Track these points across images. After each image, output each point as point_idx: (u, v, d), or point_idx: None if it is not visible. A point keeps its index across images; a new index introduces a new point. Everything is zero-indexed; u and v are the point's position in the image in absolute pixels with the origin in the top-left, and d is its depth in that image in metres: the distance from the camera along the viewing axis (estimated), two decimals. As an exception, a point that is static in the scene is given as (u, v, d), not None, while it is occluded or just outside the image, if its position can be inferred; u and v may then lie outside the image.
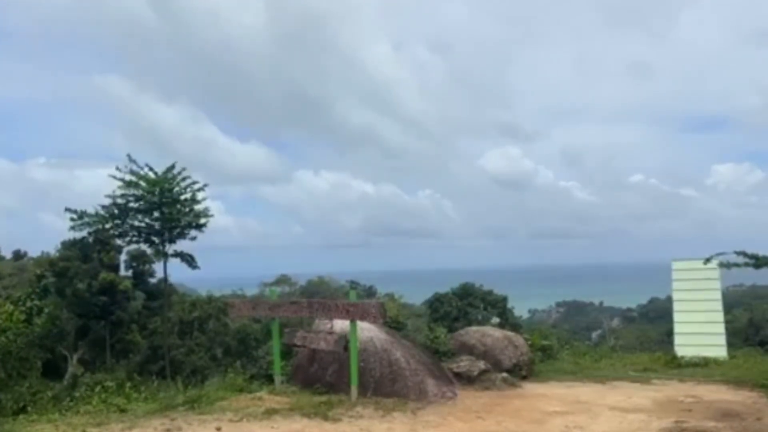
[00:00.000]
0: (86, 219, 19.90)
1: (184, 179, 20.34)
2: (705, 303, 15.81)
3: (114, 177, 19.61)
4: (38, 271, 28.08)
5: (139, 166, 19.85)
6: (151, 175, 19.93)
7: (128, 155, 19.71)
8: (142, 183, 19.78)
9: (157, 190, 19.77)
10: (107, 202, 19.98)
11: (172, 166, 20.31)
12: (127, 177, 19.72)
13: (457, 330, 14.91)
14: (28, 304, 17.79)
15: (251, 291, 45.16)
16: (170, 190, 19.93)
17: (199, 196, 20.55)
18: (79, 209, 20.06)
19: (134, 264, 32.05)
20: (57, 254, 29.69)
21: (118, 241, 23.58)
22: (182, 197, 20.23)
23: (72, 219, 19.82)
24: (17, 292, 20.93)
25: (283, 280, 49.45)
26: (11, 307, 16.42)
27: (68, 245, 29.02)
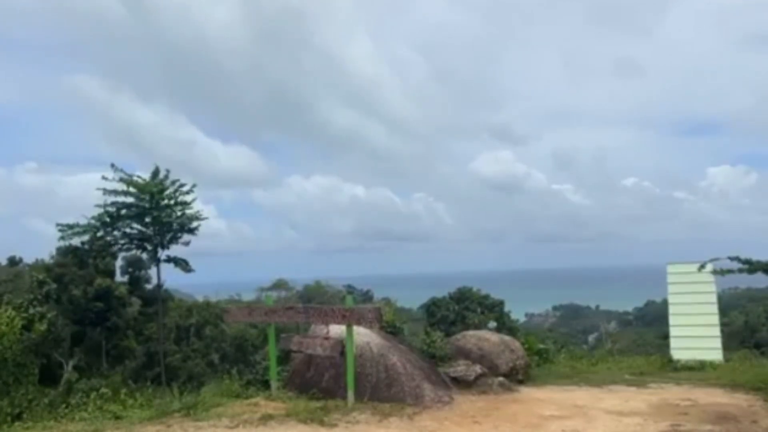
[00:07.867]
0: (77, 229, 19.82)
1: (172, 183, 20.30)
2: (701, 306, 15.82)
3: (105, 189, 19.55)
4: (40, 277, 28.02)
5: (126, 174, 19.79)
6: (140, 180, 19.87)
7: (112, 164, 19.66)
8: (132, 189, 19.71)
9: (147, 196, 19.72)
10: (97, 210, 19.90)
11: (157, 170, 20.25)
12: (116, 185, 19.66)
13: (453, 334, 14.91)
14: (31, 310, 17.72)
15: (248, 296, 45.02)
16: (160, 193, 19.88)
17: (189, 198, 20.51)
18: (69, 222, 19.94)
19: (130, 270, 32.01)
20: (53, 260, 29.62)
21: (111, 249, 23.53)
22: (172, 201, 20.18)
23: (62, 230, 19.72)
24: (17, 298, 20.82)
25: (280, 284, 49.23)
26: (13, 312, 16.32)
27: (64, 252, 28.95)
